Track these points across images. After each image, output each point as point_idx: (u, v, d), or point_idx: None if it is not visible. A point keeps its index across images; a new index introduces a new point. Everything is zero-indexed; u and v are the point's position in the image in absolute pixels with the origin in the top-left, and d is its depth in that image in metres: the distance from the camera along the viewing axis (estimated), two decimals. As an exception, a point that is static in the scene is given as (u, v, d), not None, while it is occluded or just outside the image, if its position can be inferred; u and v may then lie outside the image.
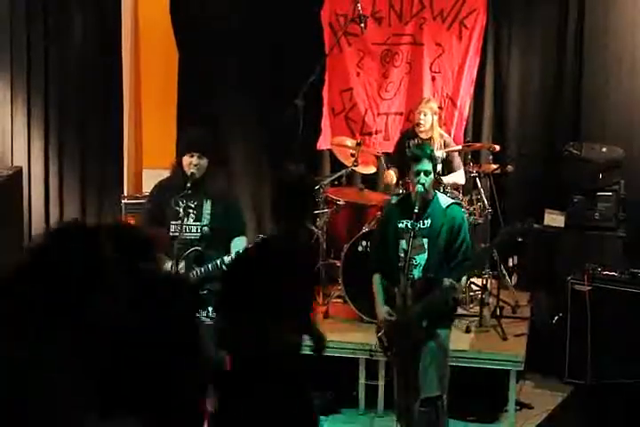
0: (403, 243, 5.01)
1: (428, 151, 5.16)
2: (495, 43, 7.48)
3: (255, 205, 7.64)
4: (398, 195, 5.64)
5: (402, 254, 4.99)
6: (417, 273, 5.00)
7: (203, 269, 5.32)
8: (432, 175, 5.12)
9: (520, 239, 5.99)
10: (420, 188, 5.00)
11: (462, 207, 5.97)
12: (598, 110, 7.21)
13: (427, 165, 5.04)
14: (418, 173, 5.04)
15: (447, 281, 4.79)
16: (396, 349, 4.97)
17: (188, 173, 5.35)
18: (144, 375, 1.40)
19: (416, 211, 4.94)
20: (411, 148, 6.83)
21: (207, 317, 5.27)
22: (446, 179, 6.63)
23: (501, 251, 6.37)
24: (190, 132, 6.04)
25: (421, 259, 4.99)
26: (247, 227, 5.93)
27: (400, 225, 5.04)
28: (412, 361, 4.90)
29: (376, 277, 5.16)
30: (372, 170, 7.21)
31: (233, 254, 5.24)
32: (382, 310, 5.03)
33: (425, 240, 4.98)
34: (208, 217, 5.38)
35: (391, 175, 7.01)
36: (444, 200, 5.13)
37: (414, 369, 4.90)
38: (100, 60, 7.32)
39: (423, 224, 5.01)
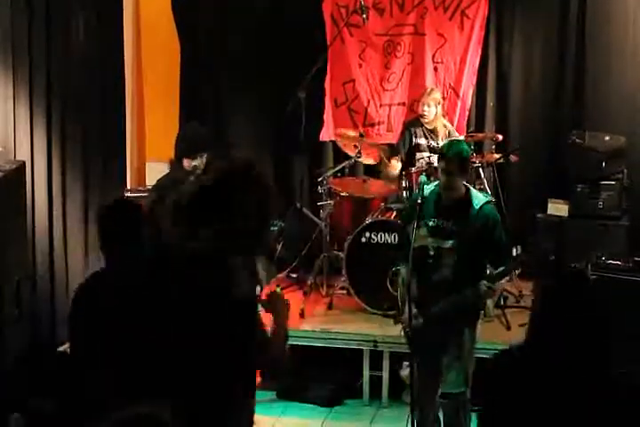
0: (430, 241, 4.88)
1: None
2: (497, 32, 7.47)
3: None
4: (426, 184, 5.30)
5: (431, 252, 4.88)
6: (445, 272, 4.81)
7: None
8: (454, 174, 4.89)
9: None
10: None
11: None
12: (601, 99, 7.20)
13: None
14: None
15: (485, 285, 4.64)
16: (419, 346, 4.82)
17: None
18: None
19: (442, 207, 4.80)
20: (416, 137, 6.89)
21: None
22: None
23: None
24: (186, 132, 6.03)
25: (449, 258, 4.79)
26: None
27: (430, 223, 4.85)
28: (434, 359, 4.83)
29: (402, 271, 4.99)
30: (375, 161, 7.20)
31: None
32: (406, 307, 4.84)
33: (452, 241, 4.73)
34: None
35: (394, 166, 7.00)
36: (477, 201, 4.86)
37: (437, 367, 4.83)
38: (102, 53, 7.30)
39: (453, 225, 4.80)
